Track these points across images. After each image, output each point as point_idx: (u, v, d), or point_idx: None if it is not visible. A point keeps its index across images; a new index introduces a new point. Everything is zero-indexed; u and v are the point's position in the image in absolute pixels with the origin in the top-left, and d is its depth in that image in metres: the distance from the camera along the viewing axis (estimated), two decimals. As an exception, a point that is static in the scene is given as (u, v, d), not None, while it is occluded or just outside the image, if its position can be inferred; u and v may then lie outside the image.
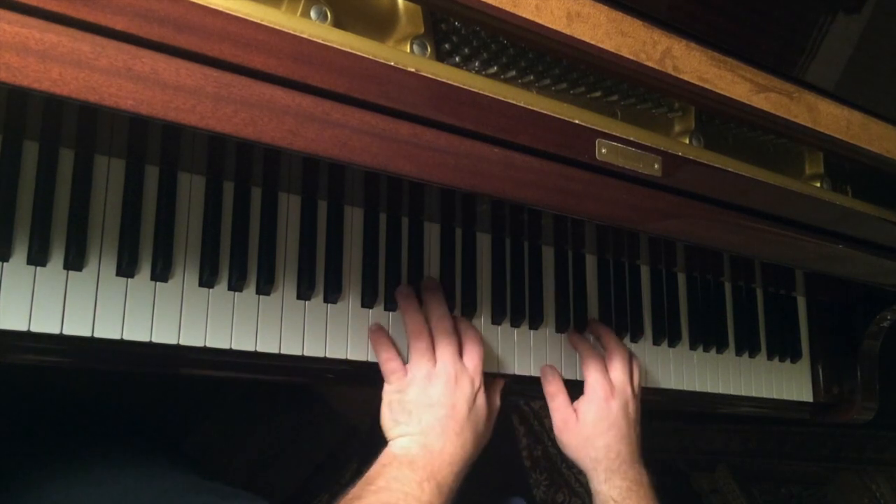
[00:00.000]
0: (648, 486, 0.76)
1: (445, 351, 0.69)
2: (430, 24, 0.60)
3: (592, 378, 0.78)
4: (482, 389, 0.70)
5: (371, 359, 0.71)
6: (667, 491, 0.79)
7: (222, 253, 0.65)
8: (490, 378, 0.74)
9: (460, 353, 0.70)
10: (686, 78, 0.66)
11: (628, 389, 0.79)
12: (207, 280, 0.63)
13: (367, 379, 0.73)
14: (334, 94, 0.52)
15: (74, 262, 0.58)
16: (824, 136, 0.75)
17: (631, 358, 0.82)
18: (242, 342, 0.64)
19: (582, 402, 0.78)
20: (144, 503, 0.65)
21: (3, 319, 0.55)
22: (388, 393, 0.68)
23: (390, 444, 0.66)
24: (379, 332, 0.70)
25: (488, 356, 0.78)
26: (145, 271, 0.61)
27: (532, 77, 0.66)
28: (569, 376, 0.83)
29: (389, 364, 0.69)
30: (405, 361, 0.70)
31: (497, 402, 0.74)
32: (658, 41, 0.65)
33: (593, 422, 0.76)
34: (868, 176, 0.86)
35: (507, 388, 0.77)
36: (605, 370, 0.79)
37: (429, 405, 0.66)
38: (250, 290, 0.65)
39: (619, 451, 0.75)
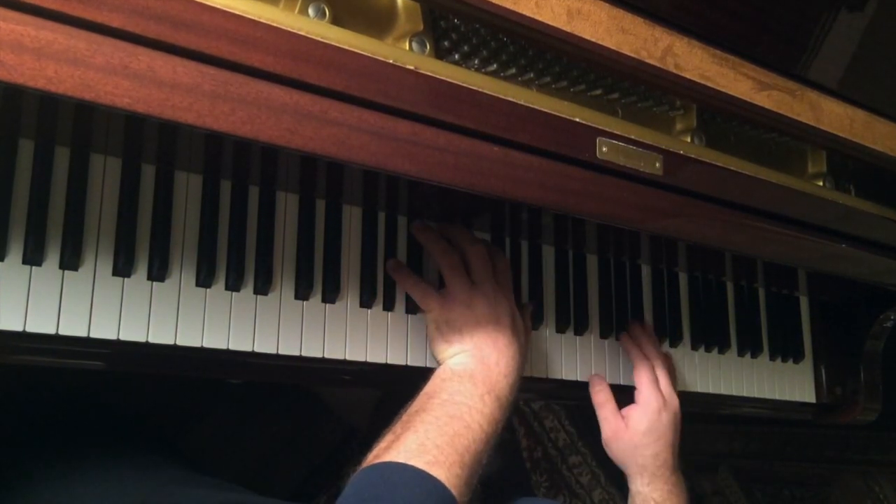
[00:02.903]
0: (685, 490, 0.80)
1: (481, 270, 0.70)
2: (430, 22, 0.60)
3: (646, 389, 0.81)
4: (516, 308, 0.72)
5: (369, 359, 0.70)
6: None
7: (219, 252, 0.64)
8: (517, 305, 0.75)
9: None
10: (687, 76, 0.66)
11: (675, 401, 0.82)
12: (204, 280, 0.63)
13: (366, 379, 0.73)
14: (332, 91, 0.51)
15: (70, 261, 0.58)
16: (827, 134, 0.75)
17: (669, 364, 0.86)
18: (240, 342, 0.63)
19: (635, 412, 0.81)
20: (144, 495, 0.65)
21: (-1, 319, 0.55)
22: (433, 319, 0.70)
23: (445, 362, 0.67)
24: (398, 265, 0.71)
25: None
26: (142, 271, 0.61)
27: (532, 75, 0.65)
28: (569, 376, 0.82)
29: (422, 287, 0.70)
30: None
31: (530, 322, 0.76)
32: (659, 38, 0.64)
33: (644, 432, 0.79)
34: (871, 175, 0.86)
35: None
36: (657, 381, 0.82)
37: (475, 321, 0.68)
38: (248, 290, 0.65)
39: (665, 459, 0.79)
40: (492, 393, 0.64)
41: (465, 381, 0.64)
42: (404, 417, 0.62)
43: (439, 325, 0.69)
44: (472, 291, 0.69)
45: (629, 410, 0.81)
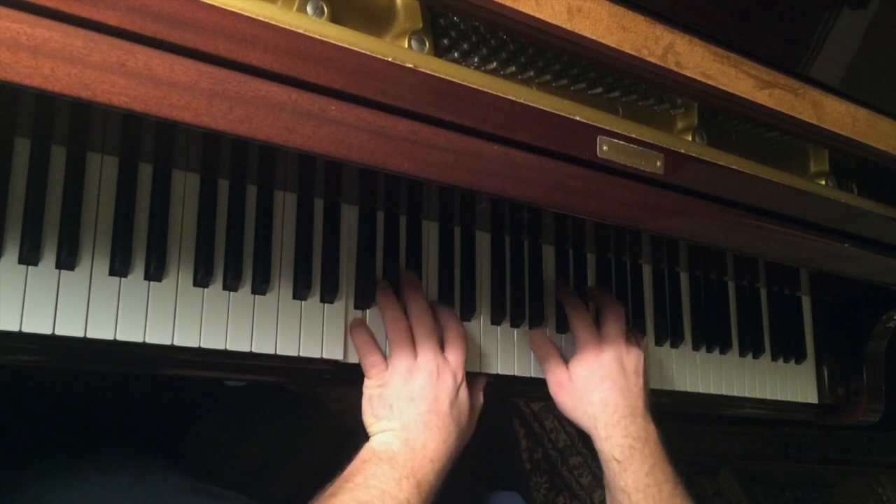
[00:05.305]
0: (655, 442, 0.73)
1: (426, 344, 0.67)
2: (429, 20, 0.59)
3: (581, 334, 0.77)
4: (464, 384, 0.69)
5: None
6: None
7: (217, 252, 0.64)
8: (472, 375, 0.72)
9: (442, 347, 0.69)
10: (689, 74, 0.65)
11: (621, 344, 0.76)
12: (202, 280, 0.63)
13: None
14: (331, 90, 0.51)
15: (67, 261, 0.57)
16: (829, 133, 0.75)
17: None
18: (237, 343, 0.63)
19: (574, 359, 0.77)
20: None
21: (-5, 320, 0.54)
22: (369, 387, 0.67)
23: (371, 439, 0.65)
24: (360, 328, 0.69)
25: (487, 357, 0.77)
26: (139, 271, 0.60)
27: (532, 73, 0.65)
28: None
29: (370, 357, 0.67)
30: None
31: (480, 399, 0.73)
32: (660, 37, 0.64)
33: (586, 376, 0.74)
34: (874, 173, 0.86)
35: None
36: (593, 325, 0.78)
37: (410, 399, 0.65)
38: (245, 290, 0.65)
39: (616, 404, 0.73)
40: (411, 478, 0.61)
41: (383, 463, 0.62)
42: (317, 501, 0.60)
43: (371, 396, 0.66)
44: (413, 368, 0.66)
45: (570, 361, 0.76)
